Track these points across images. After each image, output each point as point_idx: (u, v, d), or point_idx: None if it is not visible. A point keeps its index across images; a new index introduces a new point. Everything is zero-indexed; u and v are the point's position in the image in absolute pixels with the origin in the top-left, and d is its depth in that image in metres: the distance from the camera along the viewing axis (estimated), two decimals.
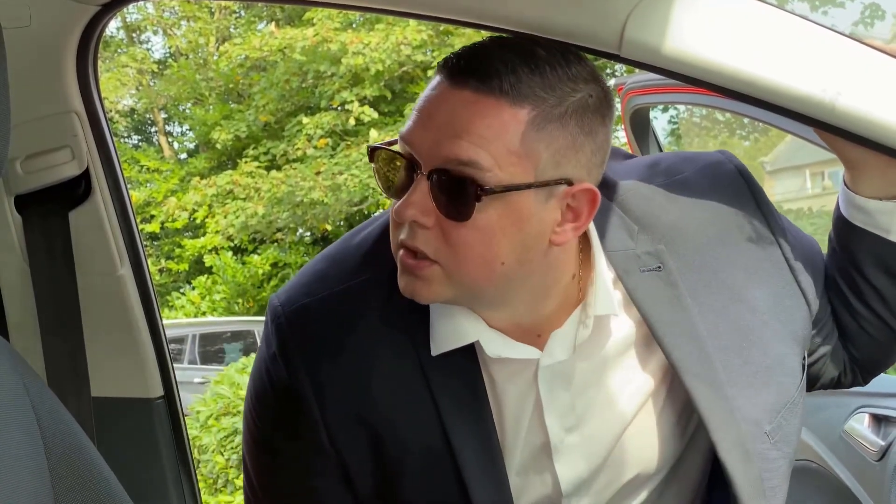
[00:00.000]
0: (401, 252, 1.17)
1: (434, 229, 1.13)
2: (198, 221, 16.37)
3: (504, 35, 1.20)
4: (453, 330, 1.23)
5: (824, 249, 1.42)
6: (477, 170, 1.09)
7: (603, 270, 1.24)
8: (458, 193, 1.10)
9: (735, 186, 1.32)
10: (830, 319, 1.40)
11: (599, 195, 1.16)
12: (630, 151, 2.80)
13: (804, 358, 1.33)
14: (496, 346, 1.23)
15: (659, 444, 1.32)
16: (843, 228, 1.35)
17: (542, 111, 1.10)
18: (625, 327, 1.28)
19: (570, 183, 1.14)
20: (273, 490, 1.36)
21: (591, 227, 1.26)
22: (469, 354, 1.25)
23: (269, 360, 1.30)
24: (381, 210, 11.37)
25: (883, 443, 2.33)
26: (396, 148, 1.17)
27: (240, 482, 7.64)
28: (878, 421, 2.44)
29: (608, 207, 1.28)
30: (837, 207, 1.36)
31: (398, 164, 1.16)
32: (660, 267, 1.26)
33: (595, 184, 1.17)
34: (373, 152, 1.19)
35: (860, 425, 2.49)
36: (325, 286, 1.30)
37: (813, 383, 1.44)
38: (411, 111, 1.17)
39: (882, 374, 1.50)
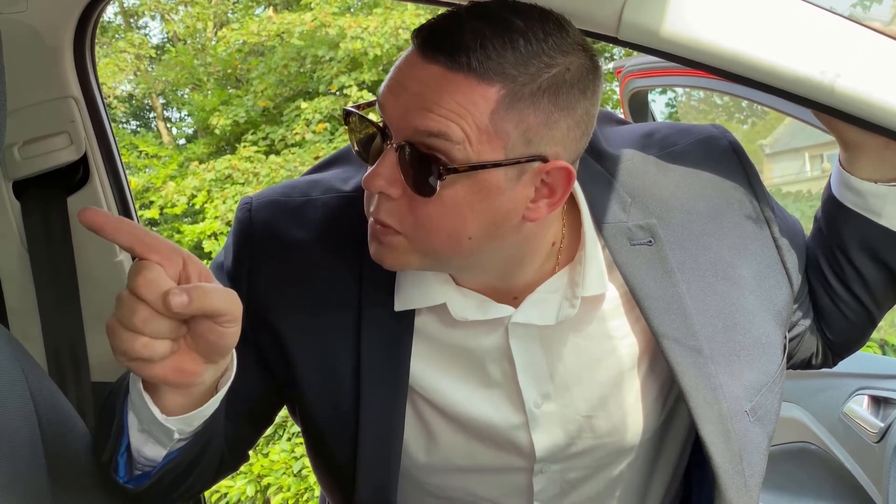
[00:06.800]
0: (371, 218, 1.16)
1: (401, 200, 1.11)
2: (197, 207, 16.31)
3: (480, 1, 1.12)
4: (423, 287, 1.24)
5: (808, 230, 1.42)
6: (446, 142, 1.05)
7: (595, 250, 1.23)
8: (425, 169, 1.07)
9: (728, 162, 1.32)
10: (808, 300, 1.40)
11: (574, 172, 1.12)
12: None
13: (785, 337, 1.33)
14: (464, 309, 1.23)
15: (638, 417, 1.32)
16: (833, 209, 1.34)
17: (511, 90, 1.05)
18: (610, 298, 1.27)
19: (544, 160, 1.09)
20: None
21: (583, 200, 1.25)
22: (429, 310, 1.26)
23: (226, 248, 1.32)
24: None
25: (882, 424, 2.34)
26: (371, 115, 1.15)
27: (240, 468, 7.66)
28: (878, 402, 2.44)
29: (603, 177, 1.27)
30: (828, 188, 1.36)
31: (371, 130, 1.14)
32: (651, 241, 1.25)
33: (573, 158, 1.13)
34: (347, 116, 1.16)
35: (859, 407, 2.49)
36: (302, 194, 1.31)
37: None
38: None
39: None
